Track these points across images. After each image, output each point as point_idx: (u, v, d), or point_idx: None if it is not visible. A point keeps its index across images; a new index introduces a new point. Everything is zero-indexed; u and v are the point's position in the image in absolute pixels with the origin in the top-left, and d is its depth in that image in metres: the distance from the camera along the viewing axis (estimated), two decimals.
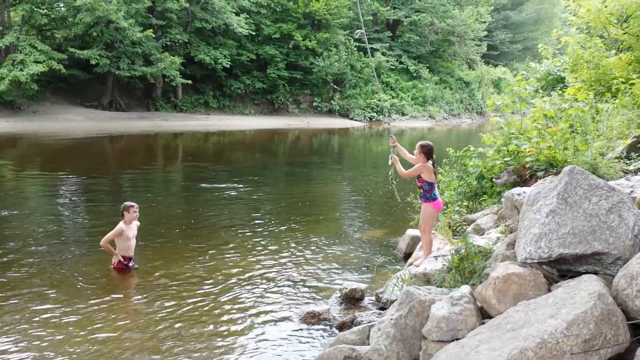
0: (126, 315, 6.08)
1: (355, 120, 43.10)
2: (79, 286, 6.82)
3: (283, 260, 7.98)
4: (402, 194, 9.67)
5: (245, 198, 12.82)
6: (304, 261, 7.98)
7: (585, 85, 11.15)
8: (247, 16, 39.16)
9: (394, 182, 7.36)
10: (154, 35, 33.72)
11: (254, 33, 39.52)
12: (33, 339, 5.40)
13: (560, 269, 3.76)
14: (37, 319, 5.84)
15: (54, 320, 5.83)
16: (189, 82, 35.51)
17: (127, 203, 7.57)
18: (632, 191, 4.87)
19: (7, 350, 5.16)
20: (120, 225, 7.38)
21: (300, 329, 5.70)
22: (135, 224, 7.62)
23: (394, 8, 49.15)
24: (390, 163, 7.10)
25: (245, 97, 41.62)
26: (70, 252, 8.23)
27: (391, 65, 47.51)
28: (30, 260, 7.72)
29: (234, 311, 6.20)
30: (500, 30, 62.86)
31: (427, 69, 50.24)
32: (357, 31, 7.91)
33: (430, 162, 6.59)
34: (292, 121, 39.30)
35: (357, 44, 46.59)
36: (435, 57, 52.35)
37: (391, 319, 4.15)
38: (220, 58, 37.33)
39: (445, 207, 9.12)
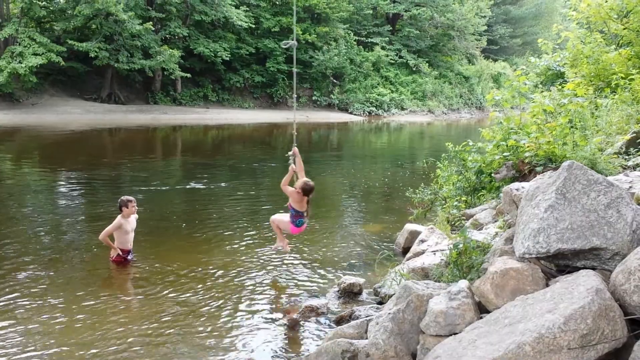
0: (124, 309, 6.08)
1: (355, 114, 43.07)
2: (77, 279, 6.82)
3: (281, 254, 7.98)
4: (400, 184, 9.67)
5: (243, 191, 12.82)
6: (301, 255, 7.98)
7: (585, 80, 11.13)
8: (247, 9, 39.04)
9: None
10: (153, 28, 33.58)
11: (253, 26, 39.37)
12: (29, 331, 5.40)
13: (559, 264, 3.76)
14: (33, 312, 5.84)
15: (51, 313, 5.83)
16: (188, 75, 35.43)
17: (125, 198, 7.55)
18: (630, 187, 4.88)
19: (5, 343, 5.17)
20: (119, 219, 7.38)
21: (298, 323, 5.71)
22: (134, 217, 7.62)
23: (394, 2, 48.97)
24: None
25: (244, 91, 41.52)
26: (69, 245, 8.24)
27: (391, 59, 47.44)
28: (28, 253, 7.72)
29: (231, 304, 6.21)
30: (500, 25, 62.67)
31: (427, 64, 50.14)
32: (288, 42, 7.55)
33: (305, 198, 6.81)
34: (291, 115, 39.18)
35: (357, 38, 46.49)
36: (434, 52, 52.23)
37: (389, 313, 4.16)
38: (219, 51, 37.20)
39: (443, 201, 9.15)
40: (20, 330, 5.43)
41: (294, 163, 6.94)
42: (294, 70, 7.86)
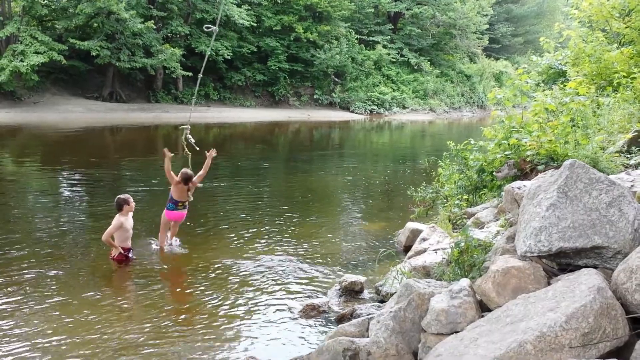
0: (126, 307, 6.09)
1: (356, 112, 43.06)
2: (79, 278, 6.83)
3: (282, 252, 7.99)
4: (401, 183, 9.66)
5: (244, 190, 12.82)
6: (303, 253, 7.98)
7: (587, 79, 11.12)
8: (248, 8, 39.03)
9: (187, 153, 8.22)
10: (154, 27, 33.57)
11: (255, 25, 39.36)
12: (31, 330, 5.41)
13: (560, 262, 3.76)
14: (36, 310, 5.85)
15: (53, 312, 5.84)
16: (190, 73, 35.40)
17: (123, 196, 7.54)
18: (632, 185, 4.88)
19: (7, 340, 5.17)
20: (118, 218, 7.38)
21: (300, 322, 5.71)
22: (130, 214, 7.62)
23: (396, 0, 48.94)
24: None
25: (246, 89, 41.51)
26: (71, 243, 8.24)
27: (392, 58, 47.41)
28: (29, 252, 7.72)
29: (233, 303, 6.21)
30: (502, 24, 62.63)
31: (429, 62, 50.10)
32: (210, 27, 8.18)
33: (186, 186, 7.76)
34: (292, 114, 39.23)
35: (359, 37, 46.48)
36: (436, 50, 52.19)
37: (390, 312, 4.16)
38: (221, 50, 37.20)
39: (445, 199, 9.14)
40: (22, 328, 5.43)
41: (187, 137, 8.02)
42: (206, 54, 9.14)
